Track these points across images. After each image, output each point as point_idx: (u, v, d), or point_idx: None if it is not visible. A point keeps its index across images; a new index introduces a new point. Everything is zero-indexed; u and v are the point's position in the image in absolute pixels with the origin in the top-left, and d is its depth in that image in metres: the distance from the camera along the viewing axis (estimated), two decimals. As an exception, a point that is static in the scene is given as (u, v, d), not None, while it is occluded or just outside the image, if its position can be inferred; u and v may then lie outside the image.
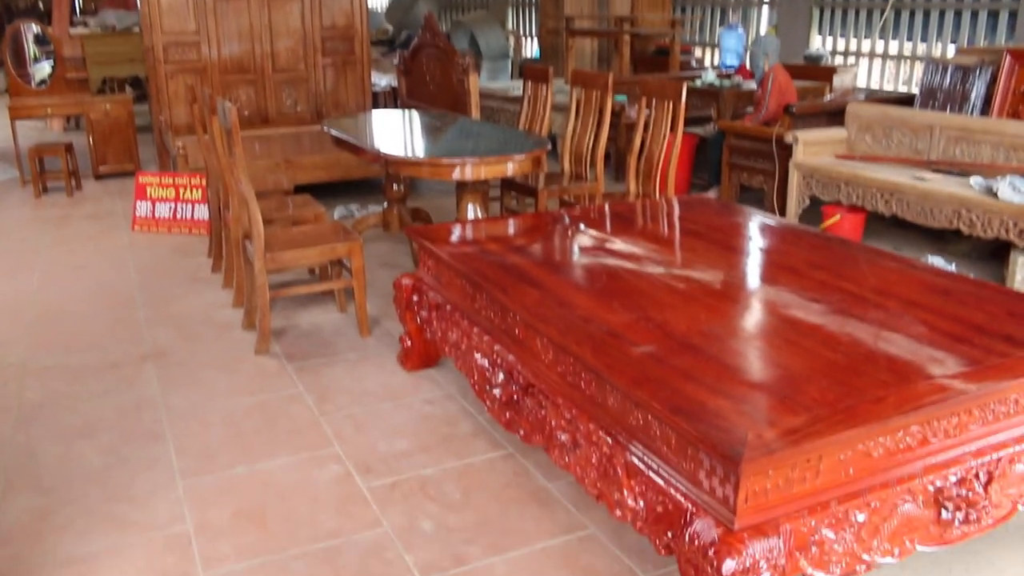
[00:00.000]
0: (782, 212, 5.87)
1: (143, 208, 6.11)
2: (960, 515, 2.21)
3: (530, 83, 5.67)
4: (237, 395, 3.68)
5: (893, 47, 8.77)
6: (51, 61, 8.76)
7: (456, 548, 2.62)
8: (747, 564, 1.88)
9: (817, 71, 7.97)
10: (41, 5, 16.59)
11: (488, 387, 2.96)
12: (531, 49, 12.85)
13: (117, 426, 3.42)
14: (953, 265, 5.06)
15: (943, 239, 5.59)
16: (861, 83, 8.80)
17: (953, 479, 2.20)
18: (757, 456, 1.86)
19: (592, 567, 2.53)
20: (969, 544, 2.56)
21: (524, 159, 4.30)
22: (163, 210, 6.08)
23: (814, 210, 5.71)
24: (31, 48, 11.53)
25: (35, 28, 10.31)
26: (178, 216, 6.06)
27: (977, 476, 2.24)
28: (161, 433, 3.36)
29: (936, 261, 5.12)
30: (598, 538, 2.66)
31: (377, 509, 2.83)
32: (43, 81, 9.54)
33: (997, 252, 5.15)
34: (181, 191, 6.05)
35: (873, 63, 8.93)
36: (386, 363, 3.94)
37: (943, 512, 2.19)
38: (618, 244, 3.46)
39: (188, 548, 2.65)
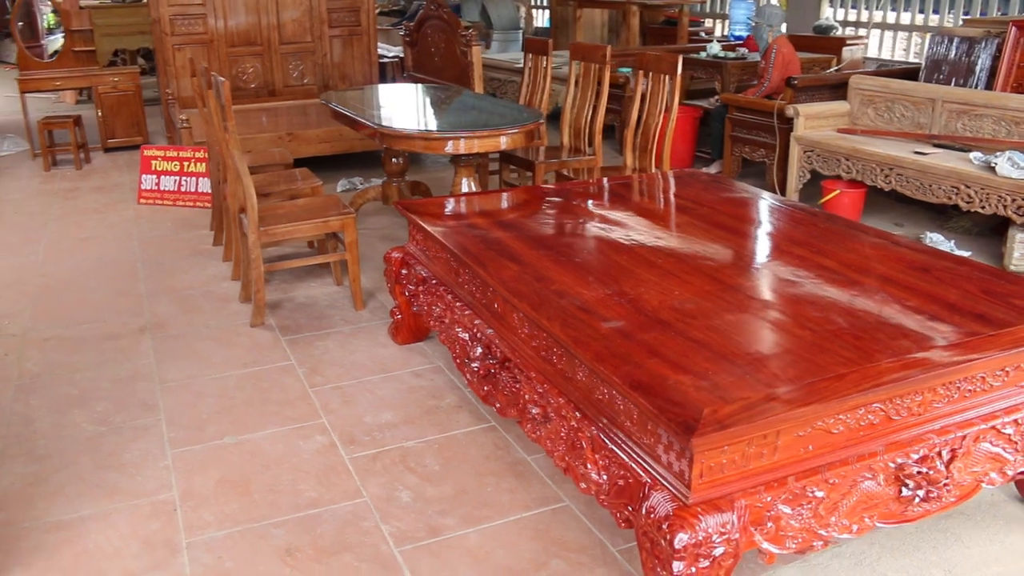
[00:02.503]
0: (783, 187, 5.85)
1: (148, 181, 6.18)
2: (920, 493, 2.23)
3: (531, 56, 5.67)
4: (230, 367, 3.74)
5: (905, 18, 8.66)
6: (61, 34, 8.79)
7: (432, 519, 2.68)
8: (700, 538, 1.92)
9: (826, 43, 7.90)
10: (55, -24, 16.60)
11: (467, 360, 3.00)
12: (542, 20, 12.77)
13: (112, 396, 3.50)
14: (952, 242, 5.04)
15: (944, 215, 5.57)
16: (872, 55, 8.70)
17: (915, 457, 2.23)
18: (711, 431, 1.90)
19: (563, 539, 2.58)
20: (938, 521, 2.60)
21: (518, 133, 4.31)
22: (168, 183, 6.14)
23: (815, 185, 5.69)
24: (45, 20, 11.57)
25: (44, 4, 10.34)
26: (182, 189, 6.12)
27: (940, 454, 2.26)
28: (154, 403, 3.43)
29: (934, 237, 5.10)
30: (571, 510, 2.71)
31: (358, 480, 2.89)
32: (55, 53, 9.59)
33: (998, 228, 5.13)
34: (185, 164, 6.11)
35: (884, 34, 8.83)
36: (378, 336, 4.00)
37: (903, 490, 2.22)
38: (602, 219, 3.48)
39: (172, 515, 2.72)
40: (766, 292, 2.74)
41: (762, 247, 3.23)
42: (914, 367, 2.21)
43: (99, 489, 2.87)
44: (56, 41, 10.73)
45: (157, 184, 6.17)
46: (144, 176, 6.20)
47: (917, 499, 2.25)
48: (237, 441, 3.15)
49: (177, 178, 6.13)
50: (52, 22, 11.60)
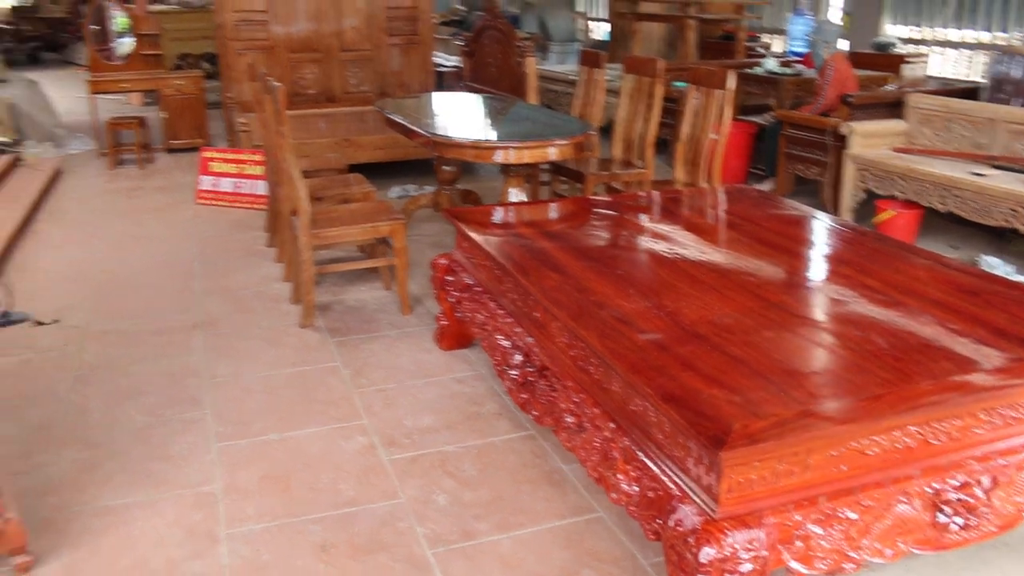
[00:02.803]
0: (836, 206, 5.79)
1: (207, 182, 6.34)
2: (959, 520, 2.21)
3: (585, 68, 5.70)
4: (278, 366, 3.83)
5: (969, 35, 8.50)
6: (132, 38, 9.07)
7: (466, 523, 2.72)
8: (726, 553, 1.92)
9: (885, 60, 7.79)
10: (128, -19, 17.08)
11: (507, 368, 3.04)
12: (601, 32, 12.79)
13: (163, 390, 3.60)
14: (1012, 267, 4.95)
15: (1004, 238, 5.46)
16: (933, 72, 8.55)
17: (953, 483, 2.20)
18: (740, 446, 1.90)
19: (595, 549, 2.60)
20: (979, 551, 2.55)
21: (567, 144, 4.34)
22: (225, 184, 6.29)
23: (869, 204, 5.62)
24: (117, 24, 11.92)
25: (114, 6, 10.64)
26: (239, 191, 6.27)
27: (980, 482, 2.23)
28: (202, 398, 3.53)
29: (991, 261, 5.01)
30: (604, 521, 2.72)
31: (396, 481, 2.94)
32: (125, 56, 9.88)
33: (1057, 253, 5.02)
34: (243, 167, 6.25)
35: (947, 52, 8.67)
36: (423, 341, 4.05)
37: (940, 516, 2.19)
38: (648, 232, 3.50)
39: (214, 507, 2.80)
40: (807, 310, 2.73)
41: (807, 265, 3.22)
42: (953, 390, 2.20)
43: (147, 478, 2.96)
44: (126, 44, 11.07)
45: (215, 185, 6.33)
46: (203, 177, 6.36)
47: (955, 527, 2.22)
48: (281, 438, 3.22)
49: (235, 180, 6.28)
50: (123, 26, 11.95)
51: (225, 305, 4.52)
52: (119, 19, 11.55)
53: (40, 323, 4.29)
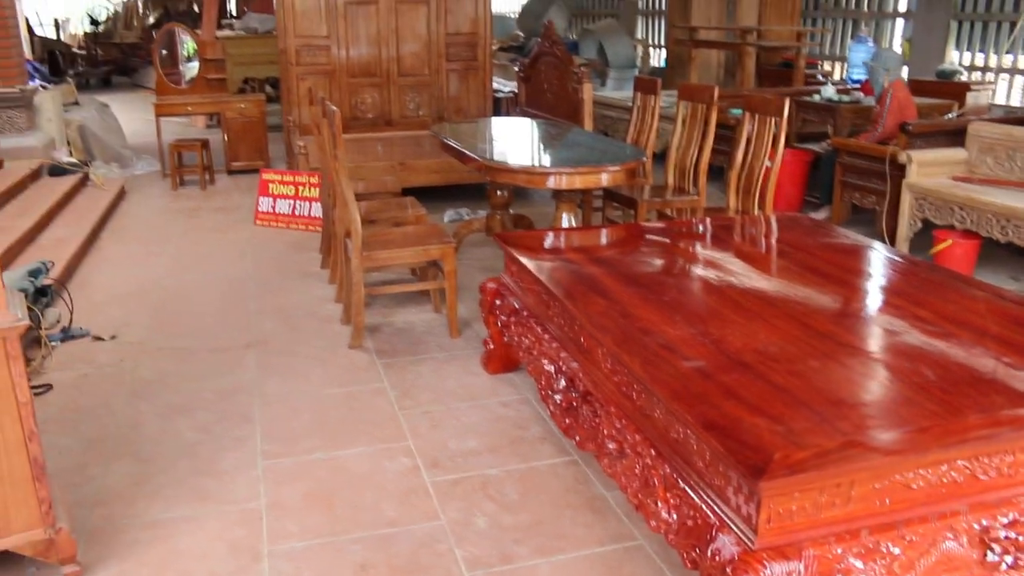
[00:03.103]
0: (892, 235, 5.69)
1: (265, 204, 6.47)
2: (1008, 559, 2.14)
3: (639, 94, 5.70)
4: (326, 386, 3.88)
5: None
6: (198, 62, 9.36)
7: (505, 547, 2.71)
8: (765, 584, 1.89)
9: (949, 88, 7.66)
10: (196, 8, 17.62)
11: (551, 392, 3.04)
12: (659, 59, 12.80)
13: (213, 406, 3.67)
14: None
15: (1067, 270, 5.32)
16: (999, 101, 8.39)
17: (1004, 520, 2.14)
18: (781, 476, 1.88)
19: (634, 576, 2.58)
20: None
21: (618, 170, 4.35)
22: (283, 206, 6.42)
23: (926, 234, 5.52)
24: (185, 48, 12.31)
25: (183, 32, 10.99)
26: (296, 213, 6.39)
27: (1032, 518, 2.17)
28: (251, 416, 3.59)
29: (1054, 293, 4.88)
30: (644, 550, 2.70)
31: (437, 503, 2.95)
32: (191, 80, 10.18)
33: (1124, 286, 4.86)
34: (300, 188, 6.37)
35: (1014, 79, 8.50)
36: (470, 364, 4.07)
37: (989, 554, 2.13)
38: (696, 259, 3.48)
39: (258, 523, 2.84)
40: (855, 340, 2.68)
41: (857, 295, 3.17)
42: (1005, 425, 2.14)
43: (194, 493, 3.02)
44: (194, 68, 11.41)
45: (273, 207, 6.45)
46: (261, 198, 6.49)
47: (1005, 566, 2.15)
48: (326, 457, 3.26)
49: (292, 201, 6.40)
50: (191, 51, 12.33)
51: (278, 324, 4.59)
52: (187, 44, 11.94)
53: (99, 339, 4.41)
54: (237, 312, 4.79)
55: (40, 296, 4.64)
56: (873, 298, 3.09)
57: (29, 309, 4.26)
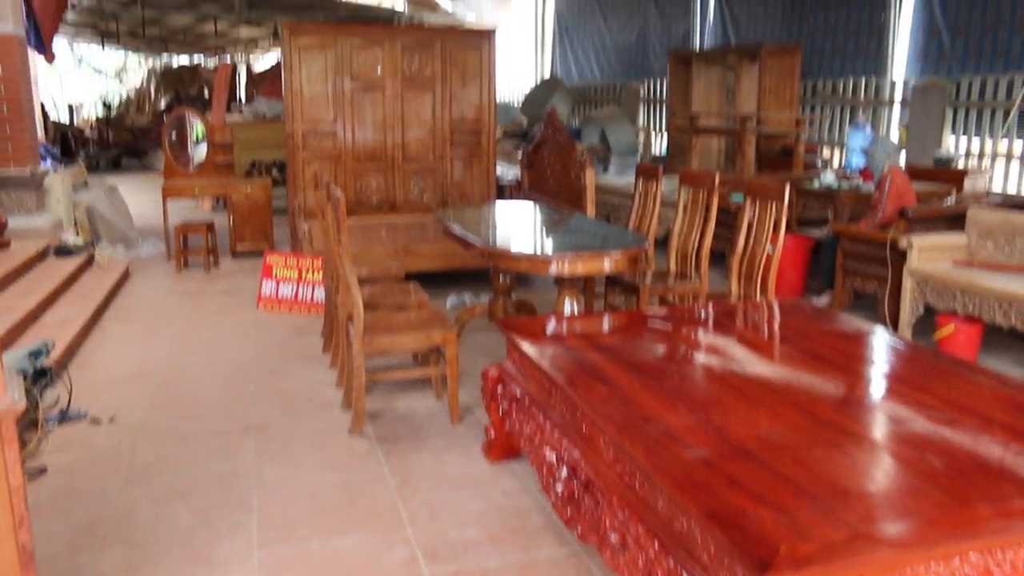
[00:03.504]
0: (895, 320, 5.69)
1: (268, 287, 6.49)
2: (1024, 654, 2.08)
3: (641, 181, 5.77)
4: (326, 472, 3.83)
5: (1033, 151, 8.43)
6: (207, 145, 9.53)
7: (506, 641, 2.64)
8: None
9: (947, 174, 7.75)
10: (206, 93, 18.02)
11: (553, 481, 2.99)
12: (660, 146, 13.00)
13: (211, 491, 3.62)
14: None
15: (1072, 356, 5.29)
16: (997, 187, 8.47)
17: (1020, 615, 2.09)
18: (787, 570, 1.83)
19: (639, 673, 2.49)
20: None
21: (621, 257, 4.36)
22: (286, 290, 6.44)
23: (928, 319, 5.51)
24: (194, 132, 12.55)
25: (192, 116, 11.21)
26: (299, 296, 6.40)
27: (1047, 614, 2.11)
28: (249, 501, 3.53)
29: (1060, 379, 4.84)
30: (649, 644, 2.62)
31: (436, 594, 2.88)
32: (200, 163, 10.35)
33: None
34: (303, 272, 6.40)
35: (1011, 166, 8.60)
36: (471, 452, 4.02)
37: (1005, 650, 2.07)
38: (698, 346, 3.47)
39: (252, 616, 2.77)
40: (860, 428, 2.65)
41: (860, 381, 3.14)
42: (1017, 516, 2.10)
43: (188, 583, 2.95)
44: (202, 151, 11.62)
45: (276, 290, 6.48)
46: (265, 281, 6.52)
47: (1021, 663, 2.09)
48: (323, 546, 3.19)
49: (294, 285, 6.43)
50: (200, 134, 12.56)
51: (278, 409, 4.56)
52: (196, 128, 12.16)
53: (97, 421, 4.38)
54: (238, 395, 4.76)
55: (40, 377, 4.63)
56: (877, 385, 3.06)
57: (27, 391, 4.24)
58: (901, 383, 3.00)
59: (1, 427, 2.29)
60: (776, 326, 3.85)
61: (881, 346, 3.56)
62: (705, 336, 3.66)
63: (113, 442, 4.14)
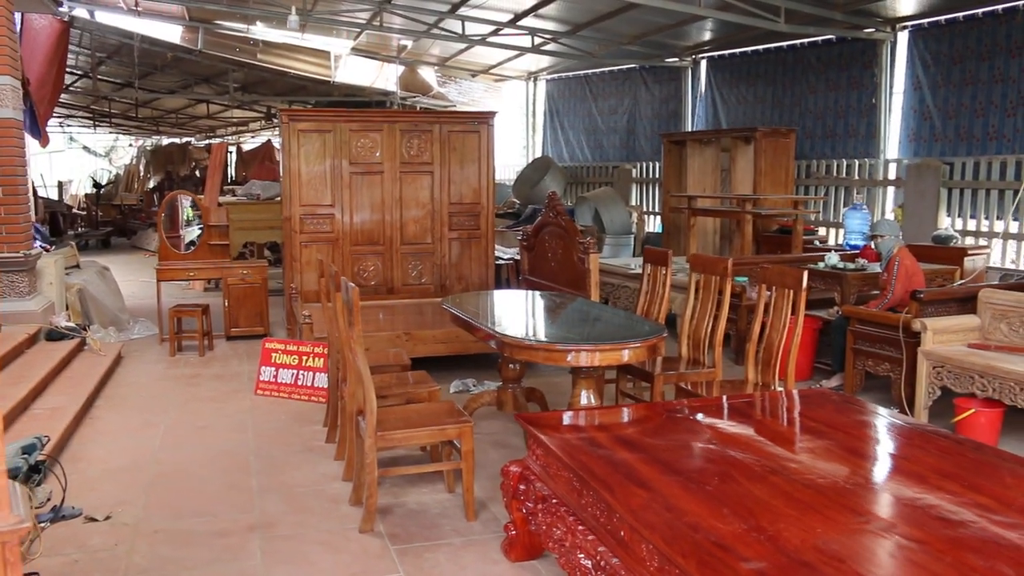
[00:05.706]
0: (910, 402, 5.59)
1: (267, 373, 6.33)
2: None
3: (649, 265, 5.70)
4: (337, 574, 3.63)
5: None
6: (200, 227, 9.45)
7: None
8: None
9: (947, 253, 7.76)
10: (198, 174, 18.05)
11: (590, 591, 2.82)
12: (654, 225, 13.01)
13: (217, 601, 3.42)
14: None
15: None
16: (994, 264, 8.48)
17: None
18: None
19: None
20: None
21: (640, 347, 4.25)
22: (285, 376, 6.27)
23: (945, 401, 5.41)
24: (185, 214, 12.49)
25: (187, 199, 11.16)
26: (299, 383, 6.24)
27: None
28: (258, 612, 3.33)
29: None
30: None
31: None
32: (191, 244, 10.25)
33: None
34: (304, 359, 6.25)
35: (1007, 244, 8.61)
36: (489, 551, 3.84)
37: None
38: (732, 442, 3.34)
39: None
40: (918, 533, 2.51)
41: (908, 481, 3.01)
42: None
43: None
44: (193, 232, 11.53)
45: (275, 376, 6.31)
46: (263, 368, 6.35)
47: None
48: (341, 661, 3.00)
49: (295, 371, 6.27)
50: (191, 216, 12.49)
51: (282, 505, 4.37)
52: (187, 209, 12.10)
53: (92, 519, 4.17)
54: (239, 490, 4.56)
55: (33, 473, 4.42)
56: (926, 483, 2.93)
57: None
58: (951, 481, 2.87)
59: (5, 550, 2.13)
60: (808, 418, 3.72)
61: (921, 440, 3.43)
62: (736, 430, 3.53)
63: (109, 543, 3.93)
